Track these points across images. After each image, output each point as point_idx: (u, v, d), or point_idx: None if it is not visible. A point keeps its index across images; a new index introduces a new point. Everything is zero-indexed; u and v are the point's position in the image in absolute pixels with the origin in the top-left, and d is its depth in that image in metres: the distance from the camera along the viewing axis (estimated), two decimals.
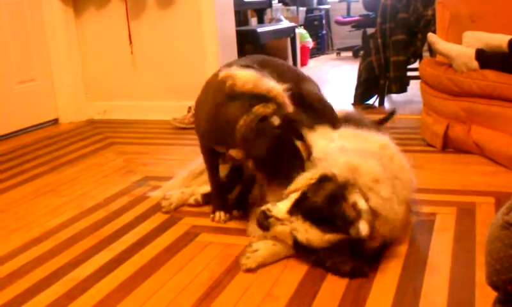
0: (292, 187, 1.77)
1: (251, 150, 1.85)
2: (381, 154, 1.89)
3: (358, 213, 1.61)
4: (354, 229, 1.61)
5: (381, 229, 1.69)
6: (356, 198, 1.64)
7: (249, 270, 1.73)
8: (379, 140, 2.01)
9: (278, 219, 1.70)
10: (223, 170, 2.23)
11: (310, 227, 1.66)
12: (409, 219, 1.92)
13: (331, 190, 1.66)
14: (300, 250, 1.73)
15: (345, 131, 2.10)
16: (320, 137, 2.00)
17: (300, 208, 1.68)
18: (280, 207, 1.72)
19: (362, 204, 1.62)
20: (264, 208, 1.74)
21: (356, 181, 1.70)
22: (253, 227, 1.94)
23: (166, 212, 2.27)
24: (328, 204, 1.64)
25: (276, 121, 1.82)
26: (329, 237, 1.64)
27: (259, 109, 1.84)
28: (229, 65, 2.11)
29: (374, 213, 1.65)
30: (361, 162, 1.77)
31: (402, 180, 1.85)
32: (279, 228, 1.71)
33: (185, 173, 2.49)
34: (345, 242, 1.64)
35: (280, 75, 2.09)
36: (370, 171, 1.75)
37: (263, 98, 1.87)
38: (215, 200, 2.18)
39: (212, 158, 2.14)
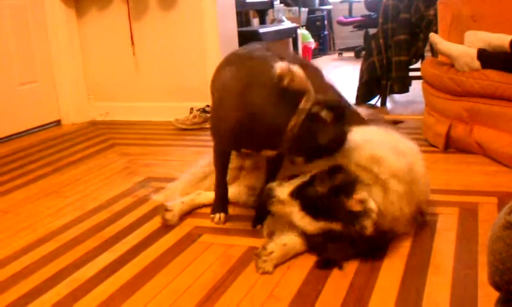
0: (305, 169, 1.81)
1: (304, 148, 1.76)
2: (408, 156, 1.92)
3: (365, 211, 1.66)
4: (358, 225, 1.66)
5: (382, 223, 1.71)
6: (365, 196, 1.67)
7: (266, 273, 1.73)
8: (408, 144, 2.03)
9: (279, 201, 1.76)
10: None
11: (305, 215, 1.72)
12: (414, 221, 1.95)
13: (338, 183, 1.70)
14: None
15: (376, 128, 2.12)
16: None
17: (301, 195, 1.73)
18: (284, 188, 1.77)
19: (371, 204, 1.67)
20: (269, 186, 1.80)
21: (373, 171, 1.74)
22: (265, 226, 1.97)
23: (172, 225, 2.17)
24: (331, 196, 1.69)
25: (327, 116, 1.71)
26: (321, 225, 1.70)
27: (305, 105, 1.72)
28: (238, 53, 2.07)
29: (379, 211, 1.68)
30: (387, 155, 1.80)
31: (418, 186, 1.88)
32: (280, 209, 1.77)
33: (188, 176, 2.45)
34: (340, 232, 1.68)
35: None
36: (391, 165, 1.78)
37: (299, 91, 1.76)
38: (216, 200, 2.17)
39: (225, 158, 2.12)
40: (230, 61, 2.03)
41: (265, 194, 1.80)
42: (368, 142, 1.89)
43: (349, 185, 1.70)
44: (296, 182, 1.78)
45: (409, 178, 1.81)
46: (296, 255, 1.81)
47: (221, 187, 2.15)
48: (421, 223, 1.98)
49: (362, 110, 2.40)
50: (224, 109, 1.90)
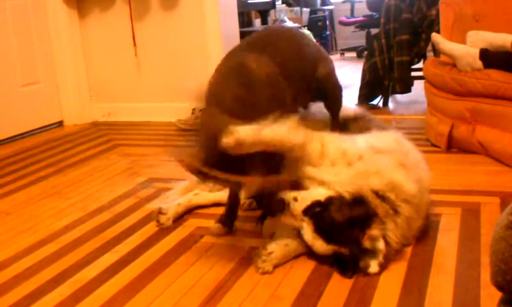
0: (326, 178, 1.77)
1: None
2: (416, 169, 1.90)
3: (374, 250, 1.66)
4: (363, 263, 1.66)
5: (390, 252, 1.72)
6: (377, 235, 1.67)
7: (266, 273, 1.73)
8: (414, 152, 2.00)
9: (292, 214, 1.74)
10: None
11: (318, 237, 1.69)
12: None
13: (356, 215, 1.68)
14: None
15: (386, 136, 2.07)
16: (344, 138, 1.95)
17: (316, 217, 1.70)
18: (299, 204, 1.74)
19: (380, 245, 1.66)
20: (284, 198, 1.75)
21: (389, 199, 1.72)
22: (265, 226, 1.96)
23: (165, 227, 2.15)
24: (346, 226, 1.67)
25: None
26: (333, 248, 1.69)
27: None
28: (237, 52, 2.06)
29: (389, 247, 1.70)
30: (403, 181, 1.77)
31: (425, 199, 1.88)
32: (290, 221, 1.75)
33: (186, 183, 2.41)
34: (348, 255, 1.68)
35: (289, 57, 2.02)
36: (406, 191, 1.75)
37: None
38: (225, 211, 2.09)
39: None
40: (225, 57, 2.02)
41: (278, 203, 1.77)
42: (383, 162, 1.83)
43: (367, 219, 1.68)
44: (309, 200, 1.74)
45: (418, 198, 1.79)
46: (297, 256, 1.80)
47: (231, 197, 2.07)
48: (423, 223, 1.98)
49: (353, 110, 2.36)
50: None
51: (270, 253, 1.76)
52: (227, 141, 1.60)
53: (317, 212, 1.70)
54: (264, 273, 1.73)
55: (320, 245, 1.70)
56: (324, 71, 2.14)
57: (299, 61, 2.06)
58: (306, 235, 1.71)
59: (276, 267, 1.75)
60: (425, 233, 1.91)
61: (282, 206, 1.75)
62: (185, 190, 2.35)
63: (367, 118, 2.28)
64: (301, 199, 1.75)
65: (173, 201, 2.26)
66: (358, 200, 1.71)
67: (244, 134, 1.62)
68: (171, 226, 2.16)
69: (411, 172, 1.83)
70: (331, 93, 2.18)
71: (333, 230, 1.68)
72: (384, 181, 1.74)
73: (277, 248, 1.77)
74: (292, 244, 1.79)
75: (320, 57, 2.17)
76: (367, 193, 1.72)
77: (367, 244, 1.66)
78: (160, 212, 2.18)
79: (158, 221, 2.17)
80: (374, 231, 1.67)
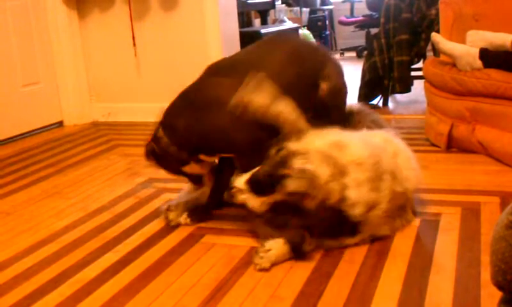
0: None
1: None
2: (384, 147, 1.95)
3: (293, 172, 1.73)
4: (280, 186, 1.72)
5: (328, 198, 1.74)
6: (294, 160, 1.75)
7: (263, 270, 1.74)
8: (383, 135, 2.04)
9: (238, 190, 1.84)
10: None
11: (253, 196, 1.79)
12: (409, 218, 1.99)
13: (278, 159, 1.78)
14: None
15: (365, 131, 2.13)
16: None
17: (250, 182, 1.81)
18: (241, 179, 1.85)
19: (297, 163, 1.74)
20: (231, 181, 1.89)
21: (332, 155, 1.79)
22: (263, 229, 1.96)
23: (174, 225, 2.16)
24: (270, 171, 1.76)
25: None
26: (264, 200, 1.77)
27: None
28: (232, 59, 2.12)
29: (315, 178, 1.73)
30: (351, 143, 1.85)
31: (398, 183, 1.89)
32: (240, 198, 1.84)
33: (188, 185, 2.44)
34: (284, 204, 1.75)
35: (296, 68, 2.07)
36: (353, 152, 1.82)
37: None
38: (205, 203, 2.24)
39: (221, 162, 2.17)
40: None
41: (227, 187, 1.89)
42: (341, 135, 1.94)
43: (287, 158, 1.76)
44: (249, 173, 1.85)
45: (378, 171, 1.83)
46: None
47: (212, 193, 2.20)
48: (423, 223, 1.98)
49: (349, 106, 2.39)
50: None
51: (268, 250, 1.76)
52: (235, 102, 1.91)
53: (251, 177, 1.81)
54: (261, 270, 1.74)
55: (255, 202, 1.79)
56: (326, 88, 2.13)
57: (293, 78, 2.06)
58: (249, 201, 1.80)
59: (273, 264, 1.76)
60: (425, 232, 1.91)
61: (229, 188, 1.85)
62: (191, 189, 2.36)
63: (363, 113, 2.31)
64: (245, 174, 1.85)
65: (180, 199, 2.28)
66: (284, 155, 1.79)
67: (252, 99, 1.90)
68: (179, 223, 2.17)
69: (377, 149, 1.89)
70: (331, 114, 2.16)
71: (262, 181, 1.77)
72: (328, 142, 1.84)
73: (275, 246, 1.78)
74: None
75: (324, 71, 2.16)
76: (308, 148, 1.80)
77: (288, 172, 1.73)
78: (168, 209, 2.20)
79: (167, 218, 2.18)
80: (294, 161, 1.74)
